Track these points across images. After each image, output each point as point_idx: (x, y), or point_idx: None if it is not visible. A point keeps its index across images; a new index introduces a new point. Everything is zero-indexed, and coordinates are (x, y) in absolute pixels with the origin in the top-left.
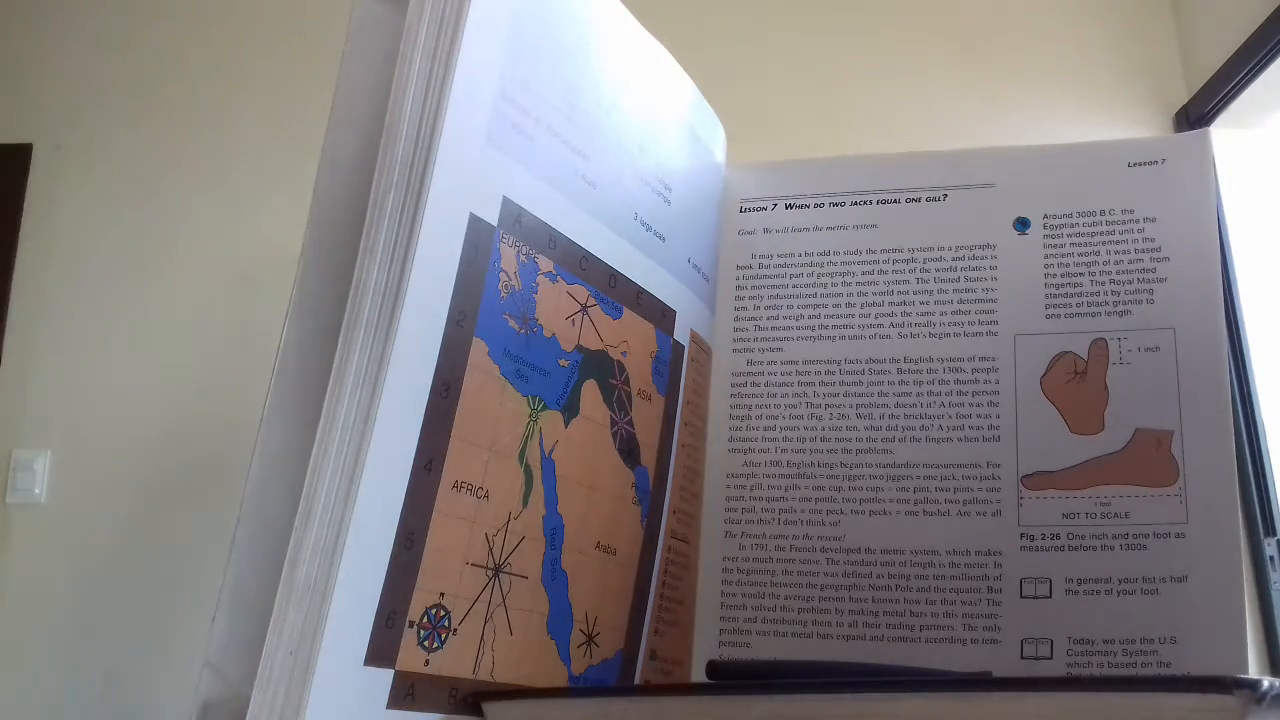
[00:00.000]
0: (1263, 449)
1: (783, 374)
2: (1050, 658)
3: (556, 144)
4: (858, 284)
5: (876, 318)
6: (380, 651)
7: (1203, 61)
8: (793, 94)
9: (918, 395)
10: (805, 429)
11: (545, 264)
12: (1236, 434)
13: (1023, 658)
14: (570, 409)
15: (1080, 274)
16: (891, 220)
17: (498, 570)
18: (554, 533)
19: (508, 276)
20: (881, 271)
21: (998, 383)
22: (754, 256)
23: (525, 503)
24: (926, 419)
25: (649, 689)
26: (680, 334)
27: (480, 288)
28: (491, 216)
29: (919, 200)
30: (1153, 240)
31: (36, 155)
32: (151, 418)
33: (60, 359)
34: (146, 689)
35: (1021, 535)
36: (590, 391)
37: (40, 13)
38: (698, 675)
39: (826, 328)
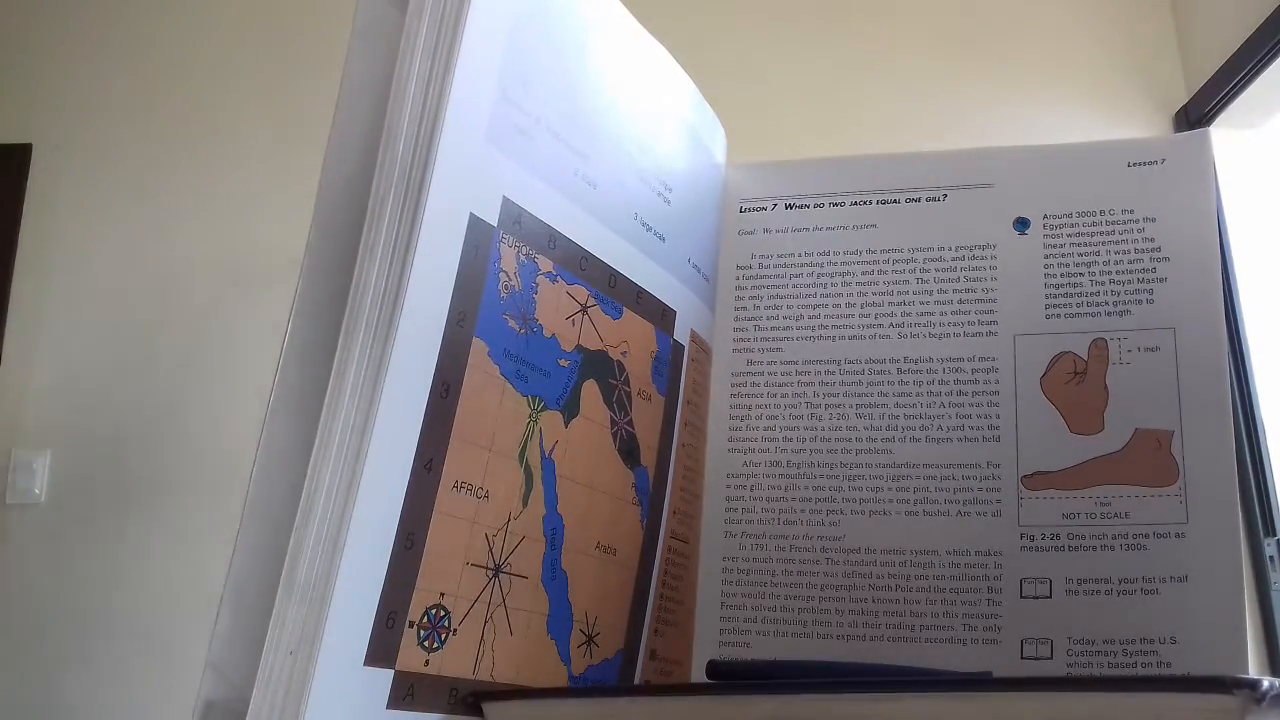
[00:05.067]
0: (1263, 449)
1: (783, 374)
2: (1050, 658)
3: (557, 144)
4: (857, 284)
5: (876, 318)
6: (380, 651)
7: (1203, 61)
8: (793, 94)
9: (918, 395)
10: (805, 429)
11: (545, 264)
12: (1236, 434)
13: (1023, 658)
14: (570, 409)
15: (1080, 274)
16: (891, 220)
17: (498, 570)
18: (554, 533)
19: (508, 277)
20: (881, 271)
21: (998, 383)
22: (754, 256)
23: (525, 503)
24: (926, 419)
25: (649, 689)
26: (680, 334)
27: (480, 288)
28: (491, 217)
29: (919, 200)
30: (1153, 240)
31: (36, 155)
32: (151, 418)
33: (60, 359)
34: (146, 689)
35: (1021, 535)
36: (590, 392)
37: (41, 13)
38: (698, 675)
39: (826, 328)
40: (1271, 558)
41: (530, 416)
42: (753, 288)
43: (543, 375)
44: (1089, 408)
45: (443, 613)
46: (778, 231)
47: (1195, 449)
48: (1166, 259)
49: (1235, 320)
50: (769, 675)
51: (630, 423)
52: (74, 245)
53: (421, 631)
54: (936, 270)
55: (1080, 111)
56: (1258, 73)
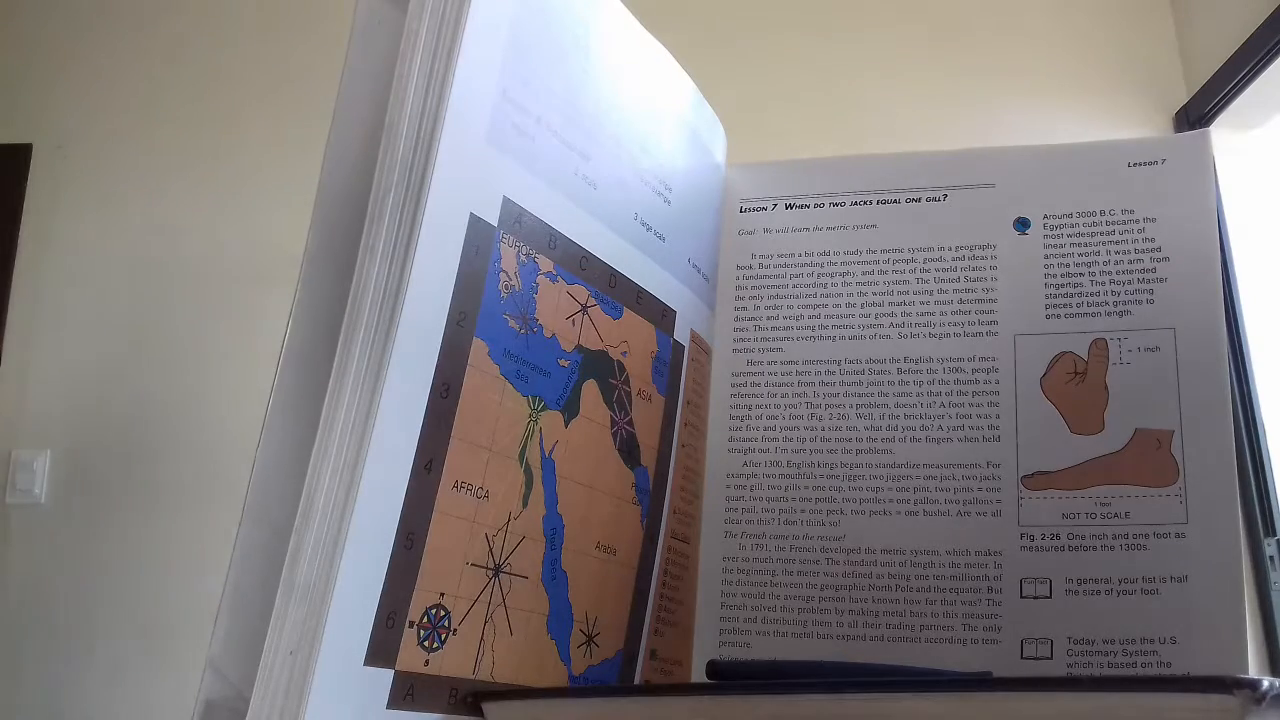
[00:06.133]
0: (1263, 449)
1: (783, 374)
2: (1050, 658)
3: (557, 144)
4: (858, 284)
5: (876, 318)
6: (380, 651)
7: (1203, 61)
8: (793, 94)
9: (918, 395)
10: (805, 429)
11: (545, 264)
12: (1236, 434)
13: (1023, 658)
14: (570, 409)
15: (1080, 274)
16: (891, 220)
17: (498, 570)
18: (554, 533)
19: (508, 276)
20: (881, 271)
21: (998, 383)
22: (754, 256)
23: (525, 503)
24: (926, 419)
25: (649, 689)
26: (680, 334)
27: (480, 288)
28: (492, 216)
29: (919, 200)
30: (1153, 240)
31: (36, 155)
32: (151, 418)
33: (60, 359)
34: (146, 689)
35: (1021, 535)
36: (590, 391)
37: (42, 13)
38: (698, 675)
39: (826, 328)
40: (1271, 558)
41: (530, 416)
42: (753, 288)
43: (543, 375)
44: (1089, 408)
45: (443, 613)
46: (778, 231)
47: (1195, 449)
48: (1166, 259)
49: (1235, 320)
50: (769, 675)
51: (630, 422)
52: (74, 245)
53: (421, 631)
54: (937, 270)
55: (1080, 111)
56: (1258, 73)
